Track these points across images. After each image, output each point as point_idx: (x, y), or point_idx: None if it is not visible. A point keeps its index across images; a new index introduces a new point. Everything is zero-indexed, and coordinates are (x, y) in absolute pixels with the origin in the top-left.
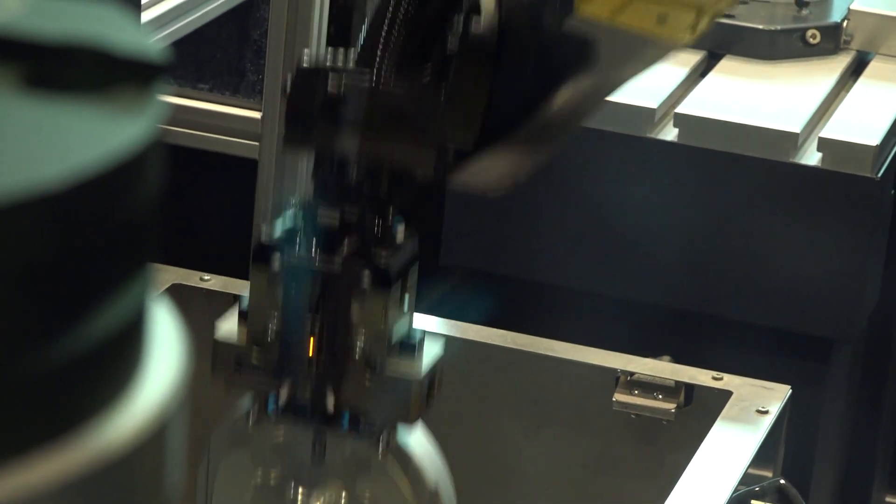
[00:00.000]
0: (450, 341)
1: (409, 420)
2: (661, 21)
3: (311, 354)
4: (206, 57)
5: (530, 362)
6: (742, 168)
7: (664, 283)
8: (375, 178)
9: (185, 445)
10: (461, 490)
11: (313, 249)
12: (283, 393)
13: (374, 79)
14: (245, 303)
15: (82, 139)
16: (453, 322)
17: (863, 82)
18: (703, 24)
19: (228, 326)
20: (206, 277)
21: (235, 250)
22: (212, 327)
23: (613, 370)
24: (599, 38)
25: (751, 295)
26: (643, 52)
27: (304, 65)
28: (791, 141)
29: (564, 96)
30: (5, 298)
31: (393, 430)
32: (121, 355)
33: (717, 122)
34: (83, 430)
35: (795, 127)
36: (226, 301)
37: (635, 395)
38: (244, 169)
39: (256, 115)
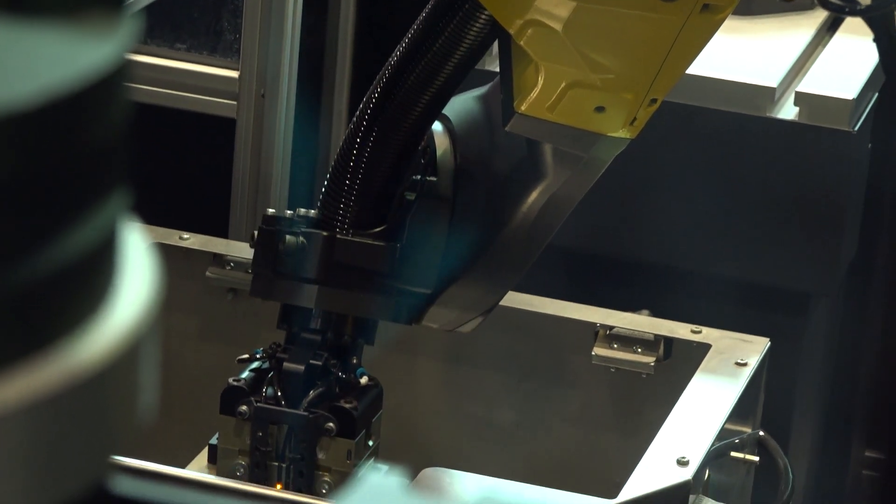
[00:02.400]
0: None
1: None
2: (598, 112)
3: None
4: (183, 17)
5: (510, 317)
6: (719, 123)
7: (641, 238)
8: (338, 328)
9: (157, 368)
10: (442, 444)
11: (280, 394)
12: None
13: (334, 230)
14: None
15: (51, 60)
16: None
17: (839, 37)
18: (642, 115)
19: (199, 464)
20: (185, 236)
21: (214, 209)
22: (191, 285)
23: (592, 324)
24: (543, 140)
25: (729, 249)
26: (590, 155)
27: (269, 215)
28: (768, 95)
29: (521, 219)
30: None
31: None
32: (92, 276)
33: (695, 77)
34: (55, 349)
35: (772, 81)
36: (205, 259)
37: (614, 348)
38: (222, 128)
39: (234, 74)
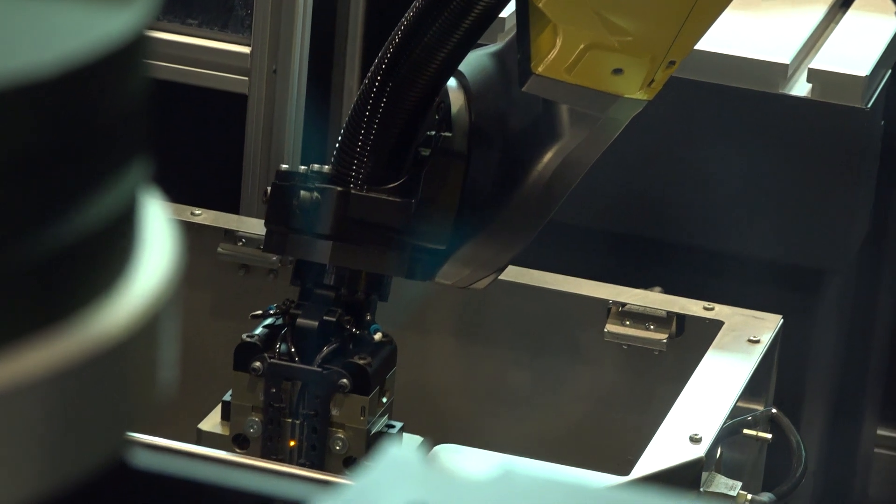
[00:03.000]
0: None
1: None
2: (616, 75)
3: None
4: None
5: (522, 294)
6: (732, 100)
7: (654, 215)
8: (352, 284)
9: (177, 339)
10: (454, 420)
11: (293, 350)
12: None
13: (349, 186)
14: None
15: (70, 28)
16: None
17: (852, 13)
18: (660, 76)
19: (213, 421)
20: (197, 212)
21: (226, 185)
22: (203, 261)
23: (605, 301)
24: (560, 101)
25: (742, 226)
26: (606, 116)
27: (282, 171)
28: (781, 72)
29: (536, 177)
30: None
31: None
32: (112, 246)
33: (707, 53)
34: (76, 319)
35: (785, 58)
36: (217, 235)
37: (626, 325)
38: (234, 104)
39: (246, 49)
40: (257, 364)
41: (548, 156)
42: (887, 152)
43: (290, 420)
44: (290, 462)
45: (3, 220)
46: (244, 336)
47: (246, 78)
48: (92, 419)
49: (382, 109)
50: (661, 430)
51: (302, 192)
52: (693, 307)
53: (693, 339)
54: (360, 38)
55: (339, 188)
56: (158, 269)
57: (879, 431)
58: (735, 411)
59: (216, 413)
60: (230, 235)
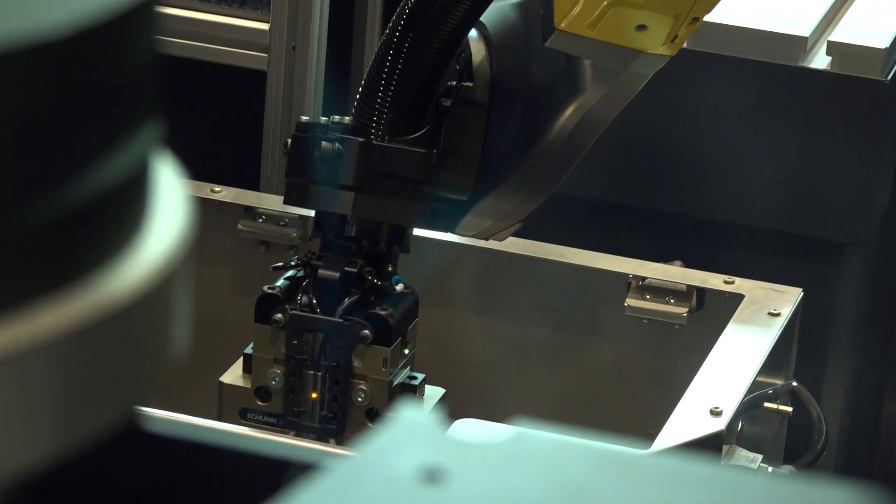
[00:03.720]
0: (463, 248)
1: None
2: (640, 31)
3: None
4: None
5: (543, 269)
6: (751, 73)
7: (673, 188)
8: (373, 235)
9: (189, 300)
10: (475, 395)
11: (315, 301)
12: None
13: (370, 136)
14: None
15: None
16: None
17: None
18: (684, 32)
19: (234, 374)
20: (217, 189)
21: (245, 162)
22: (223, 238)
23: (625, 275)
24: (582, 56)
25: (762, 199)
26: (630, 71)
27: (302, 122)
28: (800, 45)
29: (558, 131)
30: (4, 148)
31: None
32: (124, 208)
33: (726, 27)
34: (88, 280)
35: (804, 31)
36: (237, 212)
37: (647, 299)
38: (253, 81)
39: (264, 26)
40: (279, 316)
41: (569, 110)
42: None
43: (311, 372)
44: (311, 414)
45: (16, 180)
46: (265, 288)
47: (265, 55)
48: (104, 380)
49: (403, 59)
50: (682, 404)
51: (323, 143)
52: (713, 281)
53: (713, 313)
54: (380, 14)
55: (360, 139)
56: (170, 230)
57: None
58: (756, 385)
59: (237, 366)
60: (250, 212)
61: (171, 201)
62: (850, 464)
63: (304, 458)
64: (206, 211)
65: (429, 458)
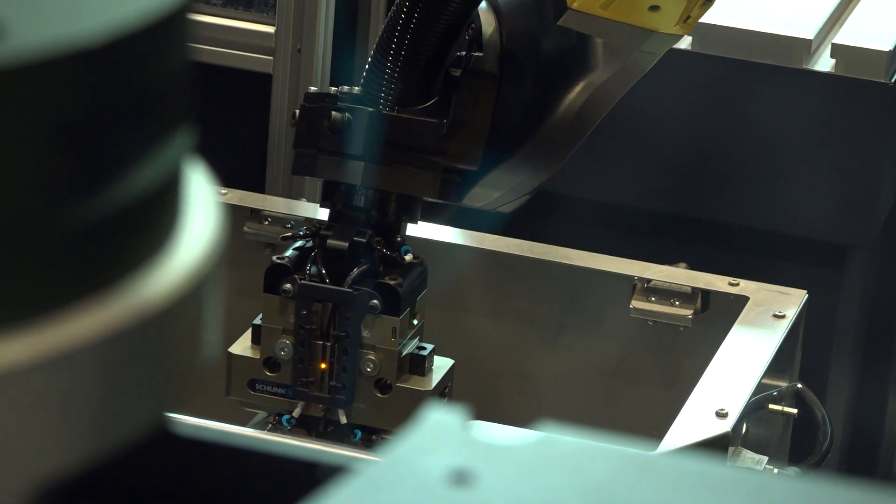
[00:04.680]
0: (469, 251)
1: None
2: (653, 11)
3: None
4: None
5: (548, 271)
6: (756, 75)
7: (680, 191)
8: (382, 205)
9: (222, 305)
10: (481, 397)
11: (324, 272)
12: (297, 409)
13: (380, 106)
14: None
15: None
16: (472, 232)
17: None
18: (696, 13)
19: (243, 345)
20: (223, 192)
21: (251, 164)
22: (229, 241)
23: (630, 277)
24: (595, 35)
25: (766, 201)
26: (641, 49)
27: (311, 93)
28: (804, 47)
29: (568, 105)
30: (42, 154)
31: None
32: (157, 214)
33: (730, 29)
34: (122, 286)
35: (809, 33)
36: (242, 214)
37: (652, 301)
38: (259, 83)
39: (270, 29)
40: (288, 286)
41: (580, 85)
42: None
43: (320, 342)
44: (320, 385)
45: (52, 186)
46: (274, 258)
47: (270, 57)
48: (139, 384)
49: (413, 29)
50: (688, 406)
51: (333, 113)
52: (718, 283)
53: (718, 315)
54: (384, 17)
55: (370, 108)
56: (202, 238)
57: None
58: (761, 386)
59: (246, 337)
60: (256, 215)
61: (203, 206)
62: (854, 465)
63: (332, 462)
64: None
65: (456, 461)
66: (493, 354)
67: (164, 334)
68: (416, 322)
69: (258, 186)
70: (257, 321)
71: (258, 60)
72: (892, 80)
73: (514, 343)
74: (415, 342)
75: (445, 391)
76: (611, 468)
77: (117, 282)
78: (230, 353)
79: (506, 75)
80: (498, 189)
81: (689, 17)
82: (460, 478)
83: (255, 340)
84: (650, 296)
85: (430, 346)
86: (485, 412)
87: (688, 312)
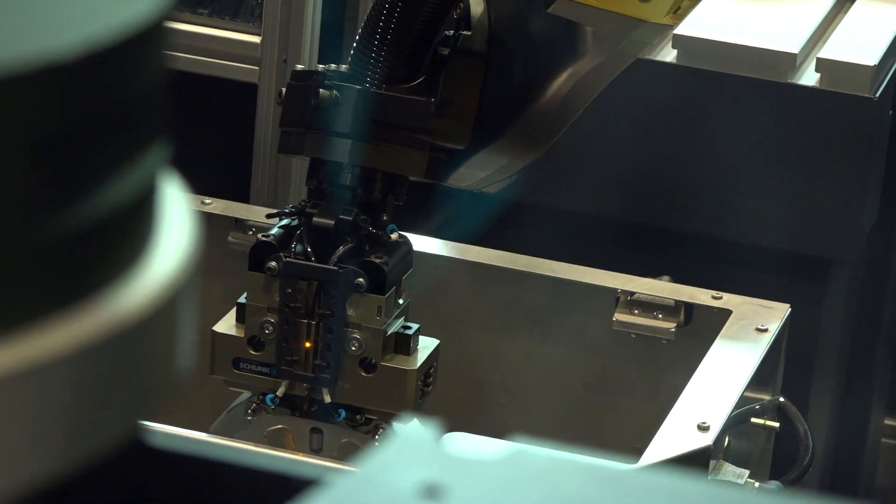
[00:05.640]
0: (452, 262)
1: (405, 410)
2: (643, 2)
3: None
4: None
5: (531, 283)
6: (740, 89)
7: (662, 203)
8: (369, 184)
9: (195, 319)
10: (464, 410)
11: (309, 250)
12: (281, 388)
13: (367, 84)
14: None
15: (92, 11)
16: (455, 244)
17: (861, 3)
18: (686, 4)
19: (227, 323)
20: (208, 201)
21: (236, 174)
22: (214, 251)
23: (613, 290)
24: (585, 23)
25: (750, 215)
26: (630, 38)
27: (298, 71)
28: (790, 61)
29: (556, 90)
30: (17, 167)
31: (389, 421)
32: (132, 227)
33: (715, 43)
34: (96, 299)
35: (794, 48)
36: (227, 224)
37: (635, 314)
38: (244, 93)
39: (256, 39)
40: (273, 264)
41: (567, 71)
42: (895, 141)
43: (305, 321)
44: (305, 363)
45: (26, 201)
46: (259, 236)
47: (256, 67)
48: (112, 396)
49: (401, 7)
50: (670, 419)
51: (321, 91)
52: (701, 296)
53: (701, 328)
54: None
55: (357, 86)
56: (177, 250)
57: (887, 421)
58: (743, 400)
59: (231, 316)
60: (240, 224)
61: (178, 219)
62: (836, 479)
63: (305, 474)
64: (196, 223)
65: (428, 474)
66: (477, 366)
67: (138, 346)
68: (401, 301)
69: (243, 196)
70: (242, 300)
71: (244, 70)
72: (877, 95)
73: (497, 354)
74: (400, 321)
75: (430, 371)
76: (583, 482)
77: (92, 294)
78: (214, 332)
79: (493, 55)
80: (483, 170)
81: (679, 7)
82: (432, 492)
83: (240, 319)
84: (633, 308)
85: (415, 326)
86: (467, 423)
87: (671, 325)
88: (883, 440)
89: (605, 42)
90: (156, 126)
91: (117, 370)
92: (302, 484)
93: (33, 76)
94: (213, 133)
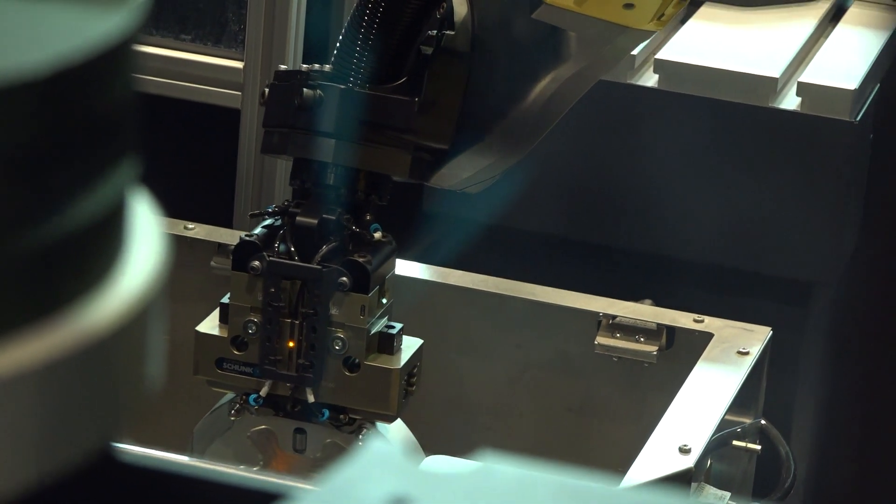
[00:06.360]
0: (433, 287)
1: (389, 411)
2: (627, 9)
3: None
4: (188, 8)
5: (513, 307)
6: (722, 113)
7: (643, 227)
8: (352, 183)
9: (164, 334)
10: (446, 434)
11: (292, 249)
12: (265, 388)
13: (351, 84)
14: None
15: (62, 29)
16: (436, 268)
17: (842, 27)
18: (670, 11)
19: (211, 323)
20: (191, 226)
21: (219, 200)
22: (196, 275)
23: (595, 314)
24: (568, 29)
25: (731, 239)
26: (614, 44)
27: (281, 71)
28: (770, 86)
29: (538, 93)
30: None
31: (372, 422)
32: (101, 242)
33: (697, 67)
34: (65, 313)
35: (775, 72)
36: (210, 249)
37: (617, 338)
38: (226, 119)
39: (238, 65)
40: (256, 263)
41: (550, 75)
42: (876, 165)
43: (288, 320)
44: (288, 363)
45: None
46: (243, 235)
47: (239, 93)
48: (80, 411)
49: (384, 7)
50: (651, 442)
51: (305, 90)
52: (683, 319)
53: (683, 351)
54: None
55: (341, 86)
56: (146, 266)
57: (868, 443)
58: (724, 423)
59: (214, 316)
60: (223, 249)
61: (147, 237)
62: (818, 502)
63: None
64: (179, 248)
65: (396, 489)
66: (459, 390)
67: (106, 362)
68: (384, 301)
69: (226, 221)
70: (225, 300)
71: (226, 96)
72: (858, 119)
73: (479, 378)
74: (384, 321)
75: (414, 371)
76: (551, 499)
77: (61, 308)
78: (197, 332)
79: (476, 56)
80: (466, 171)
81: (662, 14)
82: None
83: (224, 319)
84: (615, 332)
85: (398, 325)
86: (449, 446)
87: (653, 349)
88: (865, 462)
89: (588, 47)
90: (125, 143)
91: (85, 385)
92: (270, 499)
93: (3, 92)
94: (196, 158)
